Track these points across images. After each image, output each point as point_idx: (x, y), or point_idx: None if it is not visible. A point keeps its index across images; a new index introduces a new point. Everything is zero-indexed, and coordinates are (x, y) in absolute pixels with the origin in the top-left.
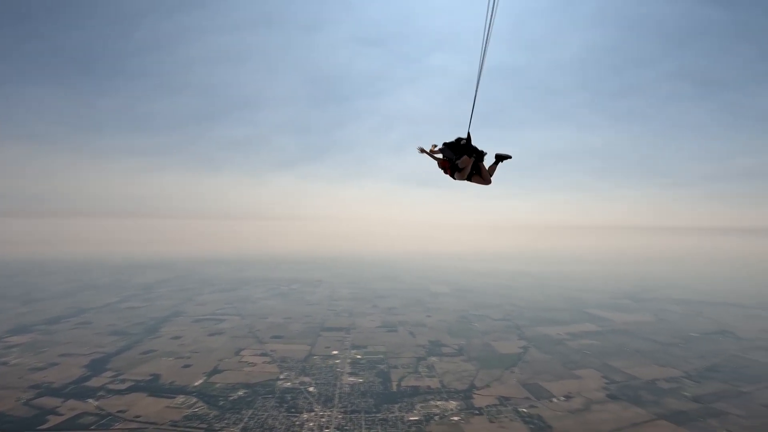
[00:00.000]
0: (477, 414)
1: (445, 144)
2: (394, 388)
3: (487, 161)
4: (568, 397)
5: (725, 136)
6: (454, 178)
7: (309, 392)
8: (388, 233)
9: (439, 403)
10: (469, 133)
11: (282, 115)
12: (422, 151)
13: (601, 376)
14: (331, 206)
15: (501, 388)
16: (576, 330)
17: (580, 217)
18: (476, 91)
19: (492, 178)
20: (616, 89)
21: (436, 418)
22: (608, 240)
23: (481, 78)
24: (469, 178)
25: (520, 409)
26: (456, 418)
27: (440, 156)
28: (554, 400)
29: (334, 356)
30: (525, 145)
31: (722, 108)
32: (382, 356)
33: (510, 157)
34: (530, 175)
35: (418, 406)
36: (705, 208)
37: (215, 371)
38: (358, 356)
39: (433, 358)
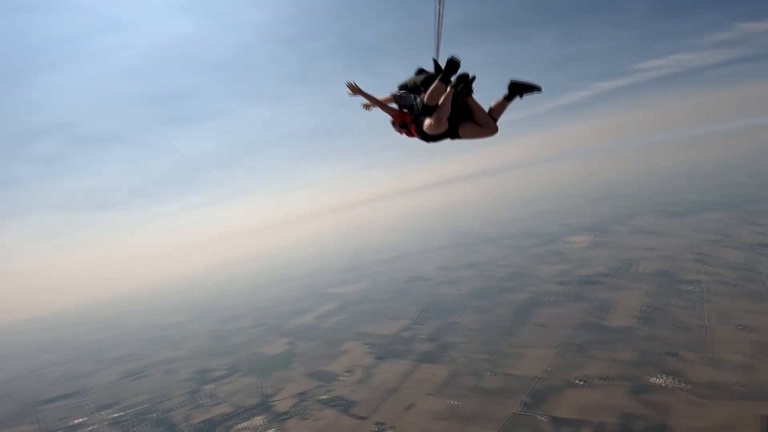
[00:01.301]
0: (287, 418)
1: (403, 88)
2: (187, 430)
3: (484, 96)
4: (350, 371)
5: None
6: (425, 139)
7: None
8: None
9: (244, 424)
10: (435, 60)
11: None
12: (356, 91)
13: (362, 344)
14: None
15: (292, 386)
16: (322, 311)
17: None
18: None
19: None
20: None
21: None
22: (318, 223)
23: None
24: (454, 131)
25: (321, 398)
26: (272, 431)
27: (395, 106)
28: (341, 378)
29: (83, 425)
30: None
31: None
32: (147, 405)
33: (539, 89)
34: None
35: None
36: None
37: None
38: (116, 414)
39: (209, 386)
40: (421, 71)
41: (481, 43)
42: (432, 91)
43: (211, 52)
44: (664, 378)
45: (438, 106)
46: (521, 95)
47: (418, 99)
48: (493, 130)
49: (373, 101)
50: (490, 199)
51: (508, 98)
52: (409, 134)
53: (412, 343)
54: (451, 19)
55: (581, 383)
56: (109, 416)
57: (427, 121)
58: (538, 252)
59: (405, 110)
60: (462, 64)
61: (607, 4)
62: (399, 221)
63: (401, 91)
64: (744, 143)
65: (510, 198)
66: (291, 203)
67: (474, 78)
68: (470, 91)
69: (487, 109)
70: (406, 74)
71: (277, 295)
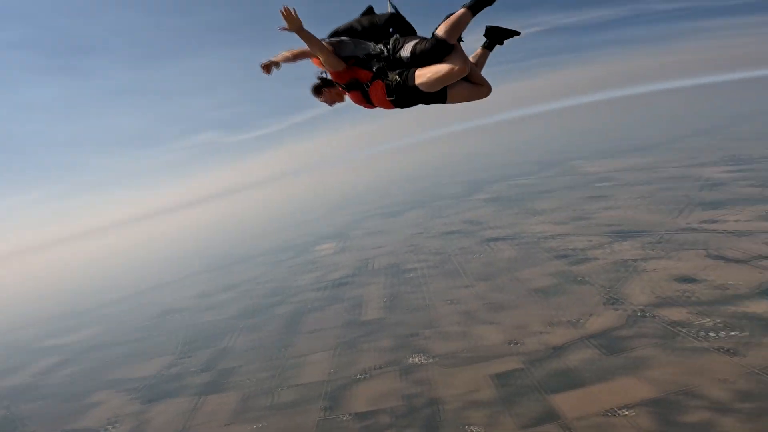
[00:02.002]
0: None
1: (338, 34)
2: None
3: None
4: (113, 423)
5: None
6: (401, 102)
7: None
8: None
9: None
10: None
11: None
12: (295, 25)
13: (117, 391)
14: None
15: None
16: (41, 367)
17: None
18: None
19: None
20: None
21: None
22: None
23: None
24: (440, 93)
25: None
26: None
27: (335, 63)
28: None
29: None
30: None
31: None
32: None
33: (518, 34)
34: None
35: None
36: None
37: None
38: None
39: None
40: (369, 11)
41: None
42: (455, 23)
43: None
44: (418, 356)
45: (454, 47)
46: (501, 42)
47: (376, 46)
48: (488, 88)
49: (314, 46)
50: (236, 218)
51: (488, 47)
52: (360, 101)
53: (184, 378)
54: None
55: (363, 377)
56: None
57: (441, 68)
58: (292, 264)
59: (355, 60)
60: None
61: None
62: (136, 252)
63: (340, 38)
64: (439, 150)
65: (257, 215)
66: None
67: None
68: (451, 40)
69: None
70: None
71: None
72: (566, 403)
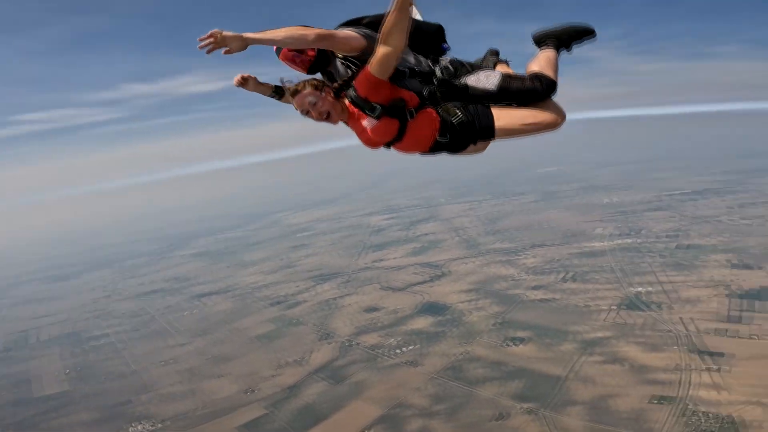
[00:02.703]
0: None
1: (373, 26)
2: None
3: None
4: None
5: None
6: (440, 149)
7: None
8: None
9: None
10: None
11: None
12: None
13: None
14: None
15: None
16: None
17: None
18: None
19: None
20: None
21: None
22: None
23: None
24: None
25: None
26: None
27: (388, 65)
28: None
29: None
30: None
31: None
32: None
33: (593, 34)
34: None
35: None
36: None
37: None
38: None
39: None
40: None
41: None
42: (556, 64)
43: None
44: (141, 424)
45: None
46: (569, 45)
47: (424, 61)
48: (557, 119)
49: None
50: None
51: (557, 49)
52: (381, 134)
53: None
54: None
55: None
56: None
57: (542, 116)
58: None
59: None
60: None
61: None
62: None
63: (366, 32)
64: (111, 206)
65: None
66: None
67: (495, 58)
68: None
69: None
70: None
71: None
72: None
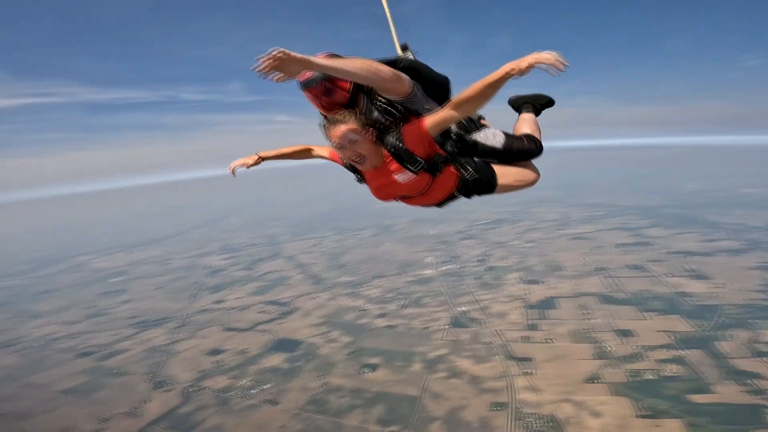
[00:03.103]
0: None
1: (411, 72)
2: None
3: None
4: None
5: None
6: (448, 202)
7: None
8: None
9: None
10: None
11: None
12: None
13: None
14: None
15: None
16: None
17: None
18: None
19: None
20: None
21: None
22: None
23: None
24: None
25: None
26: None
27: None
28: None
29: None
30: None
31: None
32: None
33: (552, 104)
34: None
35: None
36: None
37: None
38: None
39: None
40: (405, 48)
41: None
42: (537, 126)
43: None
44: None
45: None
46: (538, 111)
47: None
48: (529, 178)
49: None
50: None
51: (536, 113)
52: (411, 188)
53: None
54: None
55: None
56: None
57: (526, 175)
58: None
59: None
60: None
61: None
62: None
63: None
64: None
65: None
66: None
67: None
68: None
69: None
70: None
71: None
72: None
